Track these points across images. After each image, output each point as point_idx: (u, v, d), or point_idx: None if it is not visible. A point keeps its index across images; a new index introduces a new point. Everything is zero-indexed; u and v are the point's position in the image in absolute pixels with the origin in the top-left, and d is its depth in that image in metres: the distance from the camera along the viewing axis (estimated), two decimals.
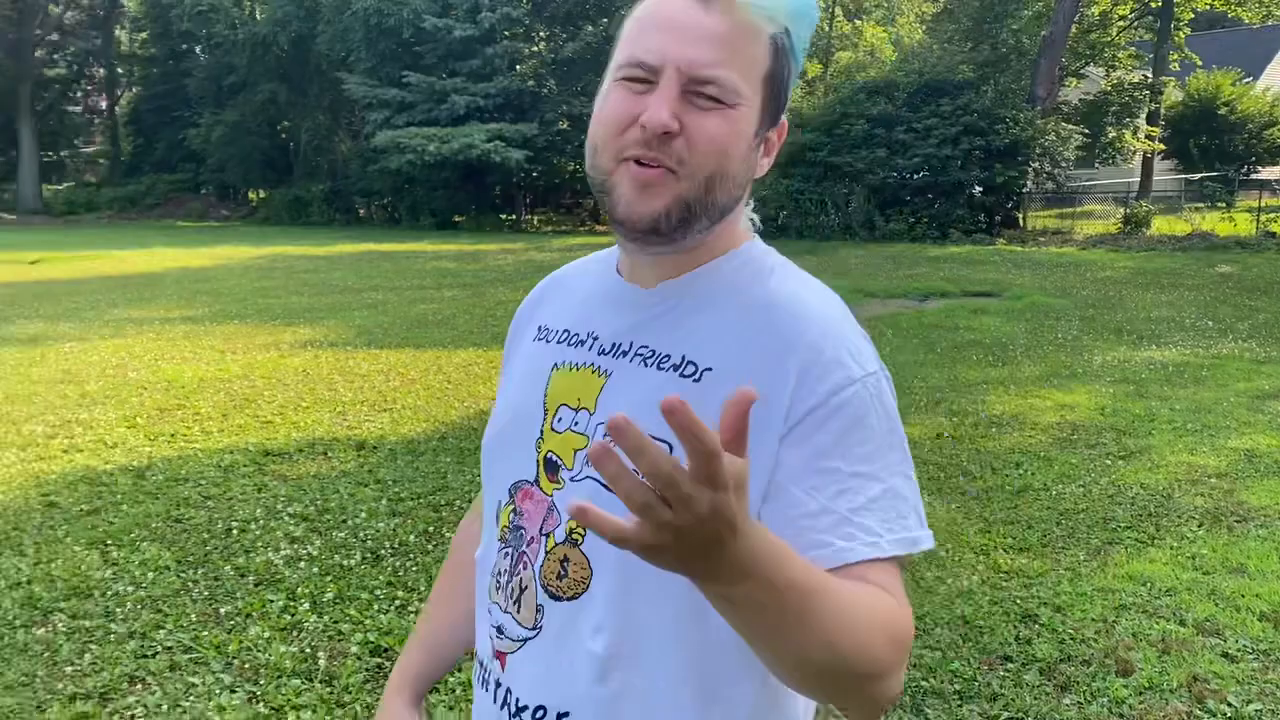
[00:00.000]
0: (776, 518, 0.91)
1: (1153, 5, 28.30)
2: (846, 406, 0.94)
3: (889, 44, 32.18)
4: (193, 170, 38.35)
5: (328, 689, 3.14)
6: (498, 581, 1.06)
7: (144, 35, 42.85)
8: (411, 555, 4.24)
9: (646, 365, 1.01)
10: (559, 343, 1.09)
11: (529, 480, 1.04)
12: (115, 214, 36.95)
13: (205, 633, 3.51)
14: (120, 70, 44.82)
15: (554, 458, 1.03)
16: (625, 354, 1.03)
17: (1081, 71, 28.50)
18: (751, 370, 0.96)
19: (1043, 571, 4.08)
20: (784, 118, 1.05)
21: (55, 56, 43.05)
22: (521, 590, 1.03)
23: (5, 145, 41.92)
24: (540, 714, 1.01)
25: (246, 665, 3.29)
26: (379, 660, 3.33)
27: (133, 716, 2.99)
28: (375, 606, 3.73)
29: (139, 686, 3.16)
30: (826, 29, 28.16)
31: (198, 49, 40.08)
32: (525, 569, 1.03)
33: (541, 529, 1.03)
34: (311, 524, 4.61)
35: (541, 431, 1.05)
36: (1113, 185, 27.79)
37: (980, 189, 22.92)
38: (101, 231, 29.91)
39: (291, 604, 3.75)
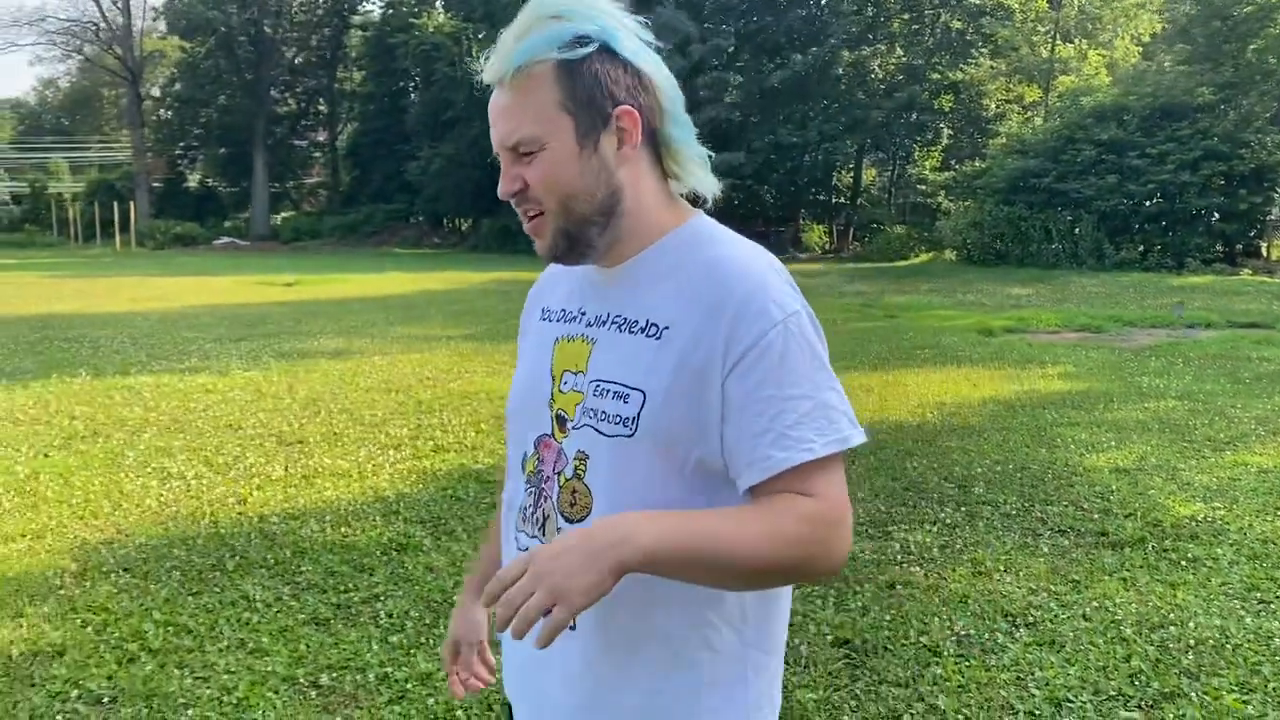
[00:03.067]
0: (732, 440, 1.16)
1: None
2: (773, 345, 1.15)
3: (1104, 67, 31.04)
4: (407, 200, 40.44)
5: (804, 671, 3.35)
6: (524, 515, 1.31)
7: (360, 74, 45.73)
8: None
9: (621, 331, 1.24)
10: (558, 320, 1.34)
11: (547, 433, 1.29)
12: (337, 241, 39.37)
13: None
14: (340, 107, 47.92)
15: (562, 414, 1.27)
16: (605, 323, 1.26)
17: None
18: (695, 324, 1.18)
19: None
20: (622, 106, 1.19)
21: (285, 95, 46.45)
22: (545, 519, 1.28)
23: (239, 176, 45.55)
24: None
25: None
26: (844, 651, 3.52)
27: None
28: (823, 601, 3.93)
29: None
30: (1046, 53, 27.41)
31: (411, 87, 42.45)
32: (546, 501, 1.28)
33: (555, 469, 1.27)
34: None
35: (551, 394, 1.29)
36: None
37: (1218, 216, 21.82)
38: (330, 257, 31.99)
39: None
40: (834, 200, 32.00)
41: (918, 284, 19.35)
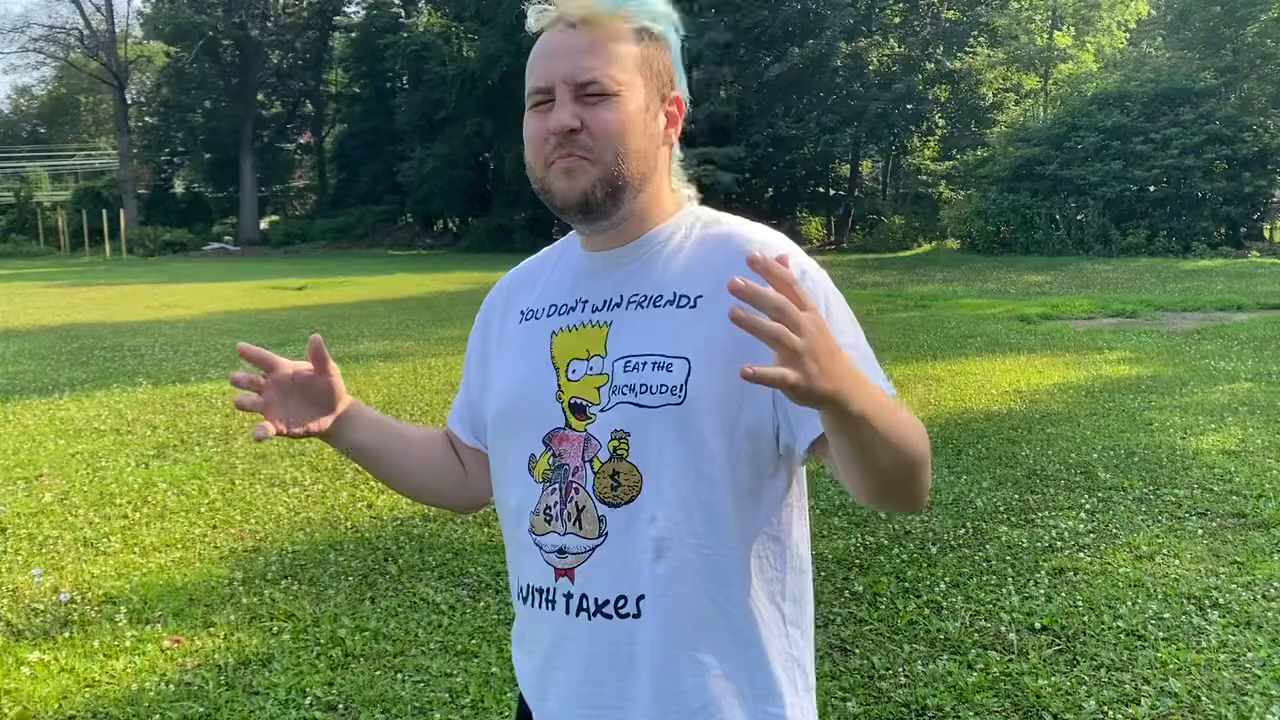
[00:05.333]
0: None
1: None
2: (816, 288, 1.16)
3: (1091, 55, 31.26)
4: (397, 202, 40.15)
5: (1022, 659, 3.36)
6: (547, 516, 1.22)
7: (345, 75, 45.29)
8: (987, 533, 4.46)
9: (643, 307, 1.22)
10: (549, 315, 1.29)
11: (560, 426, 1.22)
12: (329, 244, 39.05)
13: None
14: (327, 109, 47.52)
15: (579, 401, 1.22)
16: (619, 305, 1.23)
17: None
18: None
19: None
20: (676, 93, 1.25)
21: (272, 98, 46.04)
22: (579, 510, 1.20)
23: (226, 181, 45.12)
24: (621, 602, 1.19)
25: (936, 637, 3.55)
26: (1048, 638, 3.54)
27: None
28: (1002, 590, 3.95)
29: None
30: (1044, 40, 27.59)
31: (398, 87, 42.07)
32: (578, 493, 1.20)
33: (584, 457, 1.20)
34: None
35: (558, 386, 1.24)
36: None
37: (1222, 199, 22.06)
38: (327, 260, 31.75)
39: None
40: (832, 192, 32.13)
41: (931, 273, 19.44)
